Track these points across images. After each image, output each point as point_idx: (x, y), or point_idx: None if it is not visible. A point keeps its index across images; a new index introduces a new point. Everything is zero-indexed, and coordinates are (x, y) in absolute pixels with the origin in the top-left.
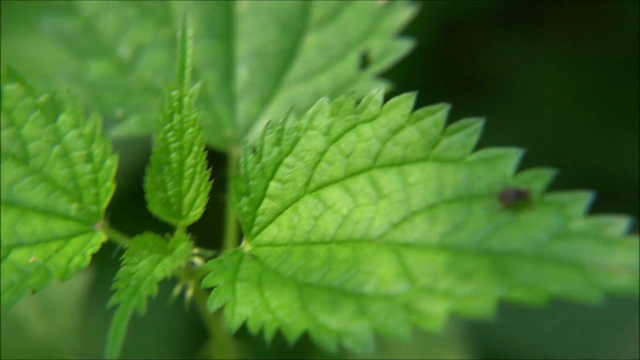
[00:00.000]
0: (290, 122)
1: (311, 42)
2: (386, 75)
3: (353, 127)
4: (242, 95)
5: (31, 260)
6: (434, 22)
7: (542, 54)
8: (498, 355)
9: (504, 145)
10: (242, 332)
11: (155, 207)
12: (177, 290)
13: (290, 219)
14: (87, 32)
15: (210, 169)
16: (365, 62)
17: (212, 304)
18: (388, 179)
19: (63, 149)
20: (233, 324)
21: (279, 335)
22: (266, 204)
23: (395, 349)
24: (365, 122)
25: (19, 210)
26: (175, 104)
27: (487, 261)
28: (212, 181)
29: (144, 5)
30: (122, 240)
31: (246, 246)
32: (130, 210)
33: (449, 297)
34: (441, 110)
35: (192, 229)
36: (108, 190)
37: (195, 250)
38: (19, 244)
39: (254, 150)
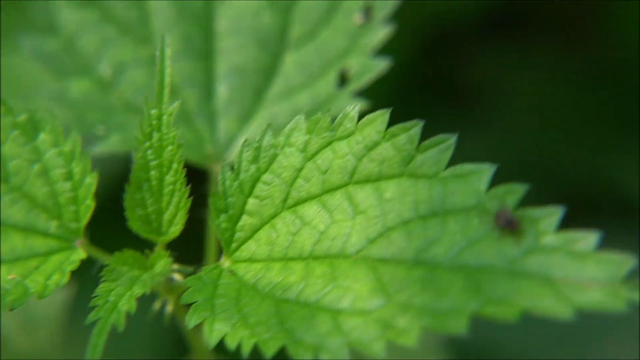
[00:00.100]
0: (268, 140)
1: (290, 61)
2: (370, 89)
3: (329, 144)
4: (222, 113)
5: (10, 277)
6: (416, 34)
7: (527, 62)
8: (493, 354)
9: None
10: (222, 345)
11: (134, 224)
12: (157, 305)
13: (268, 235)
14: (67, 51)
15: (190, 185)
16: (343, 80)
17: (191, 320)
18: (364, 195)
19: (43, 167)
20: (211, 340)
21: (257, 349)
22: (245, 220)
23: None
24: (341, 138)
25: None
26: (154, 122)
27: (461, 276)
28: (192, 198)
29: (124, 24)
30: (102, 257)
31: (225, 262)
32: (111, 226)
33: (423, 313)
34: (415, 127)
35: (173, 244)
36: (88, 207)
37: (175, 266)
38: None
39: (232, 168)
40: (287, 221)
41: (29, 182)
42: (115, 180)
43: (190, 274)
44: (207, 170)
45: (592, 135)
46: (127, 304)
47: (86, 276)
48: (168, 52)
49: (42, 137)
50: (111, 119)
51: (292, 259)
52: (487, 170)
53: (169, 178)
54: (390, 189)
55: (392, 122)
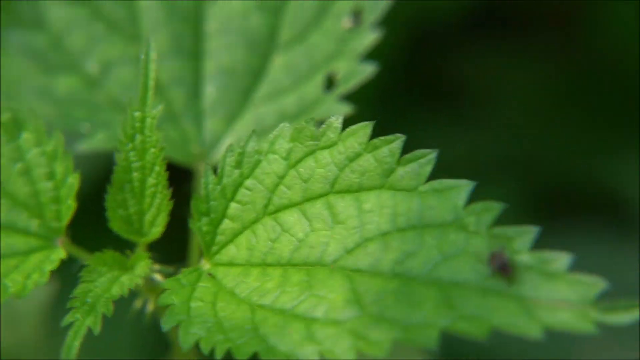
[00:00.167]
0: (252, 146)
1: (278, 63)
2: (359, 91)
3: (312, 152)
4: (209, 113)
5: None
6: (401, 34)
7: (516, 62)
8: (493, 354)
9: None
10: None
11: (116, 225)
12: (138, 304)
13: (248, 240)
14: (55, 48)
15: (175, 185)
16: (330, 83)
17: (167, 322)
18: (344, 205)
19: (25, 167)
20: (185, 343)
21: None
22: (226, 224)
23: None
24: (324, 148)
25: None
26: (137, 124)
27: (434, 291)
28: (175, 198)
29: (113, 22)
30: (83, 256)
31: (205, 265)
32: (93, 226)
33: (396, 326)
34: (397, 140)
35: (156, 243)
36: (69, 207)
37: (156, 267)
38: None
39: (215, 171)
40: (268, 227)
41: (11, 181)
42: (99, 179)
43: (171, 275)
44: (192, 169)
45: (589, 135)
46: (104, 307)
47: (69, 274)
48: (153, 54)
49: (25, 136)
50: (97, 117)
51: (270, 265)
52: (465, 186)
53: (151, 180)
54: (370, 200)
55: (376, 124)
